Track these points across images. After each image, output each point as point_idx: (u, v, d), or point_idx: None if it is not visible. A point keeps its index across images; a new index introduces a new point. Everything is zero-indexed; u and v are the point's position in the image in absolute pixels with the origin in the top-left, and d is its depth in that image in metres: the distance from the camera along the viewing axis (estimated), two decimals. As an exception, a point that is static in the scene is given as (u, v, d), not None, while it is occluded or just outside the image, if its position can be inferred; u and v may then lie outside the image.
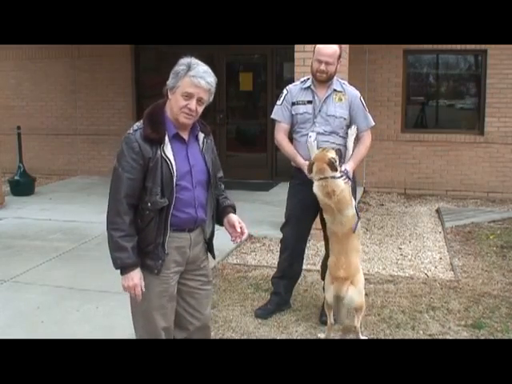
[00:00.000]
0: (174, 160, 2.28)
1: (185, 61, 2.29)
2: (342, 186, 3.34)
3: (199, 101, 2.27)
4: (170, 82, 2.30)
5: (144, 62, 9.45)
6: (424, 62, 8.56)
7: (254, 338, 3.52)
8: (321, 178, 3.34)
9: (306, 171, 3.49)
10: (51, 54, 9.46)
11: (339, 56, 3.60)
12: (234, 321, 3.79)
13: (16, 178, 7.92)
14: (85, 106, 9.47)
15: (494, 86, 7.87)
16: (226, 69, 9.06)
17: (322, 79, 3.60)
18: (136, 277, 2.25)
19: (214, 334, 3.56)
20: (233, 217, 2.52)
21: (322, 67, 3.55)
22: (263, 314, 3.85)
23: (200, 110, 2.30)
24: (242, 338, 3.52)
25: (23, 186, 7.89)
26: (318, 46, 3.57)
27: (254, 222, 6.16)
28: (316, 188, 3.40)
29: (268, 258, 5.13)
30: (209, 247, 2.60)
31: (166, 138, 2.28)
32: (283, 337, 3.56)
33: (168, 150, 2.27)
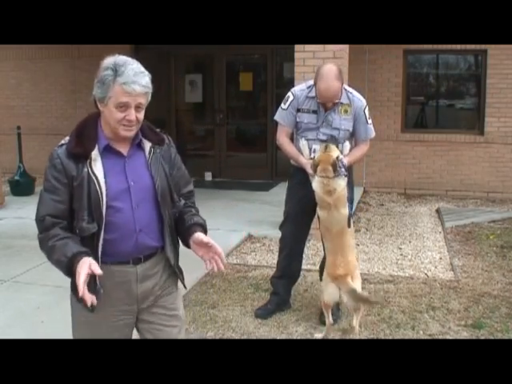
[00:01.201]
0: (105, 177, 1.92)
1: (108, 63, 1.89)
2: (342, 185, 3.36)
3: (138, 107, 1.92)
4: (96, 93, 1.91)
5: (144, 62, 9.44)
6: (424, 61, 8.56)
7: (254, 338, 3.52)
8: (323, 176, 3.36)
9: (308, 170, 3.49)
10: (51, 54, 9.46)
11: (342, 84, 3.56)
12: (234, 321, 3.79)
13: (16, 178, 7.92)
14: (85, 105, 9.45)
15: (494, 86, 7.88)
16: (226, 69, 9.06)
17: (331, 106, 3.61)
18: (85, 262, 1.78)
19: (214, 334, 3.57)
20: (199, 235, 2.01)
21: (329, 105, 3.57)
22: (263, 314, 3.85)
23: (141, 116, 1.95)
24: (242, 338, 3.52)
25: (23, 186, 7.89)
26: (318, 85, 3.50)
27: (254, 222, 6.17)
28: (316, 185, 3.41)
29: (268, 258, 5.13)
30: (178, 275, 2.17)
31: (95, 152, 1.93)
32: (283, 337, 3.56)
33: (97, 166, 1.92)
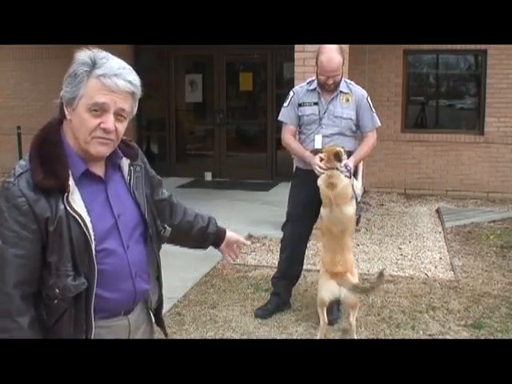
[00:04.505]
0: (89, 214, 1.45)
1: (85, 55, 1.44)
2: (345, 181, 3.37)
3: (119, 115, 1.45)
4: (64, 92, 1.45)
5: (144, 62, 9.46)
6: (424, 61, 8.57)
7: (254, 337, 3.52)
8: (328, 168, 3.38)
9: (314, 162, 3.47)
10: (51, 54, 9.46)
11: (343, 61, 3.59)
12: (234, 321, 3.79)
13: (16, 177, 7.92)
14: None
15: (493, 86, 7.88)
16: (226, 69, 9.07)
17: (332, 89, 3.62)
18: None
19: (214, 334, 3.57)
20: (232, 236, 1.99)
21: (330, 81, 3.57)
22: (263, 314, 3.86)
23: (122, 129, 1.48)
24: (242, 338, 3.52)
25: (23, 186, 7.90)
26: (320, 59, 3.54)
27: (254, 222, 6.17)
28: (320, 179, 3.43)
29: (268, 258, 5.13)
30: (157, 320, 1.83)
31: (71, 182, 1.44)
32: (283, 337, 3.56)
33: (75, 201, 1.43)
